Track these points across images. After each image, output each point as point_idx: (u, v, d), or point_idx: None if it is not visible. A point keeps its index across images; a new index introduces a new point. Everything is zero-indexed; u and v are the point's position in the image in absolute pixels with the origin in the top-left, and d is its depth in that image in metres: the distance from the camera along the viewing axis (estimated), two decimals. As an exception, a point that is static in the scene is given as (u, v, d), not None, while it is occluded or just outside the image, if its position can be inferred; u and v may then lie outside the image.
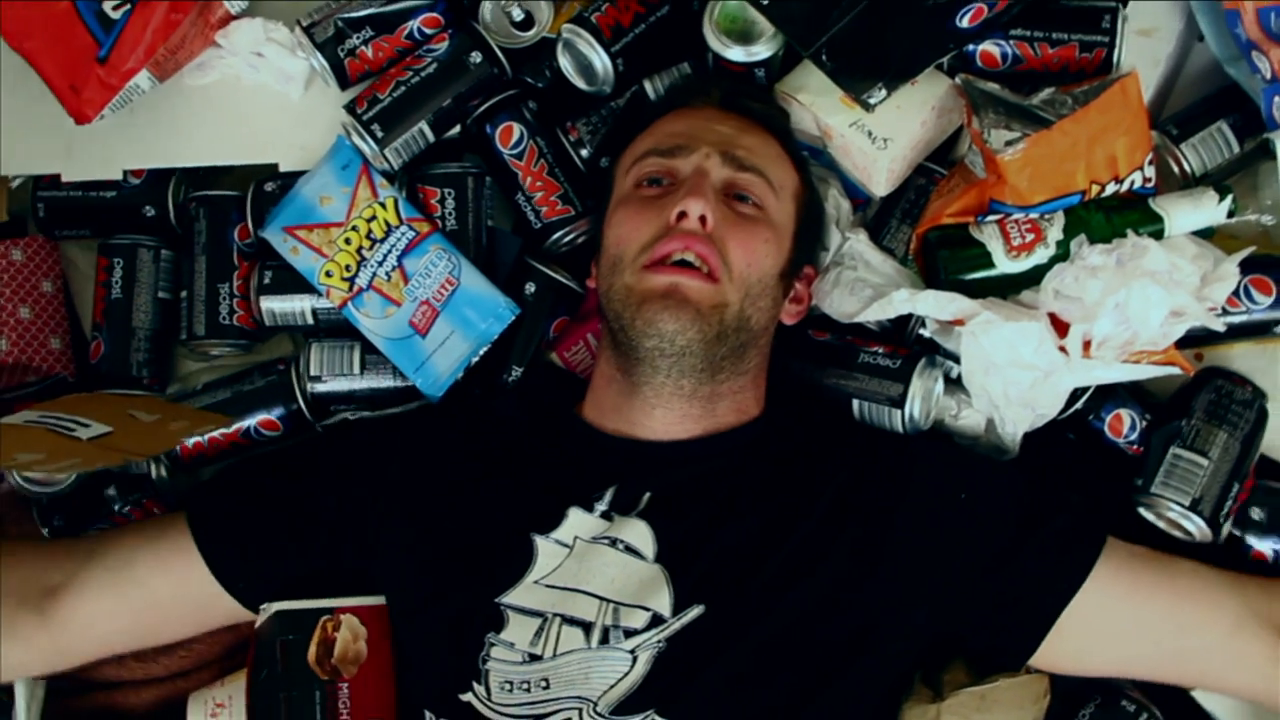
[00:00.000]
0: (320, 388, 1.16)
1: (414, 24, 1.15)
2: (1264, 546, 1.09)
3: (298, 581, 1.05)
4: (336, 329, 1.19)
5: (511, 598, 0.95)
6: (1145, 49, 1.10)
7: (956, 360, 1.08)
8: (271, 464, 1.15)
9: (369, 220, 1.13)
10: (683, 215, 0.99)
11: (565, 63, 1.16)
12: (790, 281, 1.09)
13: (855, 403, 1.12)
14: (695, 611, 0.92)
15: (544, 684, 0.91)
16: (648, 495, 0.99)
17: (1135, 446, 1.12)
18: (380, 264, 1.12)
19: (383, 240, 1.13)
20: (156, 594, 1.04)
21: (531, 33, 1.16)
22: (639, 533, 0.97)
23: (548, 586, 0.95)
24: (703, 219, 0.99)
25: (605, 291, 1.05)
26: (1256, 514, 1.09)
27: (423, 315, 1.12)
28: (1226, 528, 1.08)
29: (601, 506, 1.00)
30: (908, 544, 0.98)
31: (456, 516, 1.02)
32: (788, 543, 0.97)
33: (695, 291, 0.98)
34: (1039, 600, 0.98)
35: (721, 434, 1.05)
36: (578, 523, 0.99)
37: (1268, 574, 1.07)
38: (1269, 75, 1.02)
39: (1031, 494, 1.04)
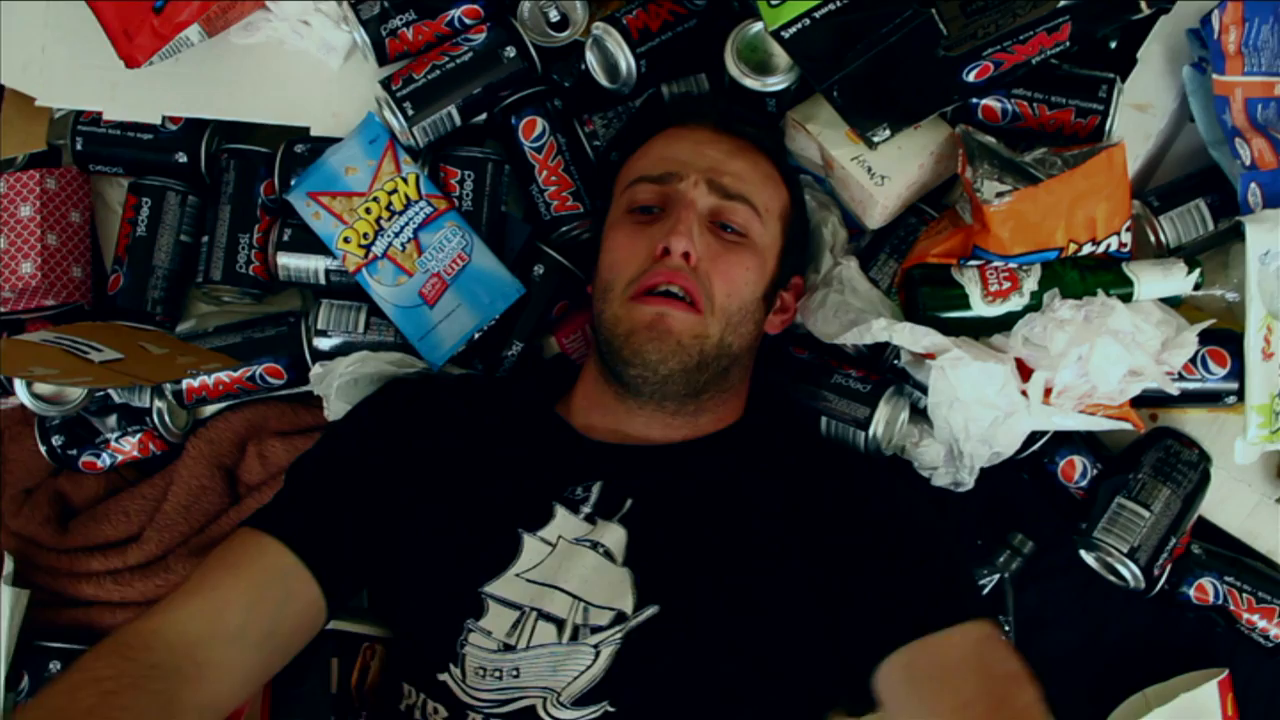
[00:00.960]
0: (325, 343, 1.20)
1: (456, 13, 1.19)
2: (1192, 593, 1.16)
3: (362, 559, 1.01)
4: (346, 291, 1.22)
5: (493, 588, 0.97)
6: (1138, 123, 1.14)
7: (924, 392, 1.11)
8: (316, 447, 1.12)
9: (390, 193, 1.17)
10: (667, 251, 1.02)
11: (592, 58, 1.21)
12: (775, 294, 1.12)
13: (824, 420, 1.16)
14: (651, 610, 0.94)
15: (515, 673, 0.93)
16: (630, 501, 1.01)
17: (1084, 492, 1.18)
18: (397, 235, 1.16)
19: (401, 213, 1.17)
20: (263, 623, 0.93)
21: (565, 34, 1.21)
22: (617, 538, 0.99)
23: (528, 581, 0.97)
24: (686, 255, 1.02)
25: (597, 314, 1.09)
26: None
27: (433, 287, 1.16)
28: (1161, 581, 1.15)
29: (586, 509, 1.01)
30: (853, 555, 0.98)
31: (456, 497, 1.03)
32: (744, 545, 1.00)
33: (679, 322, 1.02)
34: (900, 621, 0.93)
35: (701, 438, 1.08)
36: (563, 523, 1.00)
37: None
38: (1248, 162, 1.07)
39: (957, 545, 1.09)
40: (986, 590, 1.18)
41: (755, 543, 1.00)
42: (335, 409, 1.17)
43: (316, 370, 1.18)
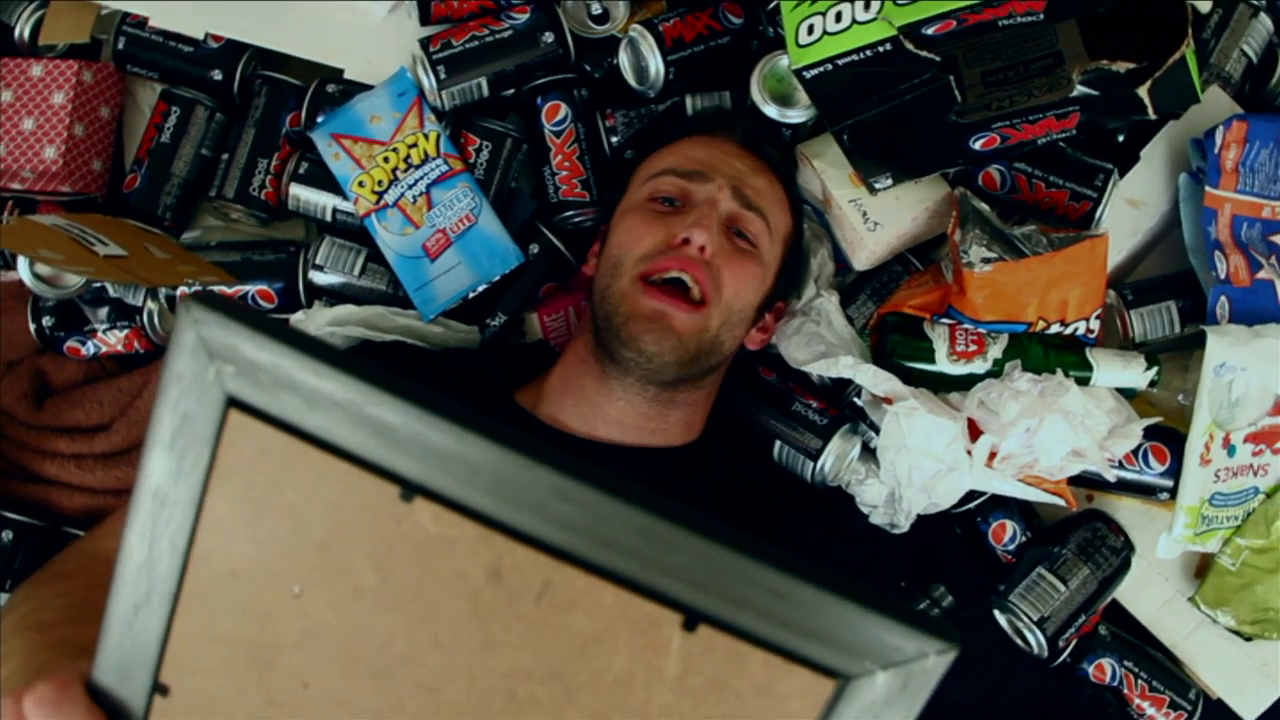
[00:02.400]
0: (320, 278, 1.23)
1: (507, -11, 1.22)
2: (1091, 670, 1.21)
3: None
4: (348, 232, 1.25)
5: None
6: (1129, 217, 1.18)
7: (877, 433, 1.13)
8: None
9: (410, 146, 1.20)
10: (687, 241, 1.06)
11: (624, 58, 1.24)
12: (763, 313, 1.16)
13: (777, 444, 1.19)
14: None
15: None
16: None
17: (1009, 556, 1.22)
18: (410, 187, 1.20)
19: (418, 167, 1.20)
20: None
21: (603, 28, 1.25)
22: None
23: None
24: (702, 248, 1.05)
25: (601, 289, 1.10)
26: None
27: (436, 242, 1.20)
28: (1064, 654, 1.19)
29: None
30: None
31: None
32: None
33: (680, 321, 1.05)
34: None
35: (657, 450, 1.11)
36: None
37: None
38: (1223, 275, 1.11)
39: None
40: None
41: None
42: None
43: (299, 316, 1.21)
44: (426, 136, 1.21)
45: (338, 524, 0.49)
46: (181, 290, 1.23)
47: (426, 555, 0.48)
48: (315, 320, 1.19)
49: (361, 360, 0.46)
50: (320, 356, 0.46)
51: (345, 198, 1.22)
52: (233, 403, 0.48)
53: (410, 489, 0.47)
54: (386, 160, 1.20)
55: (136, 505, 0.51)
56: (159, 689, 0.54)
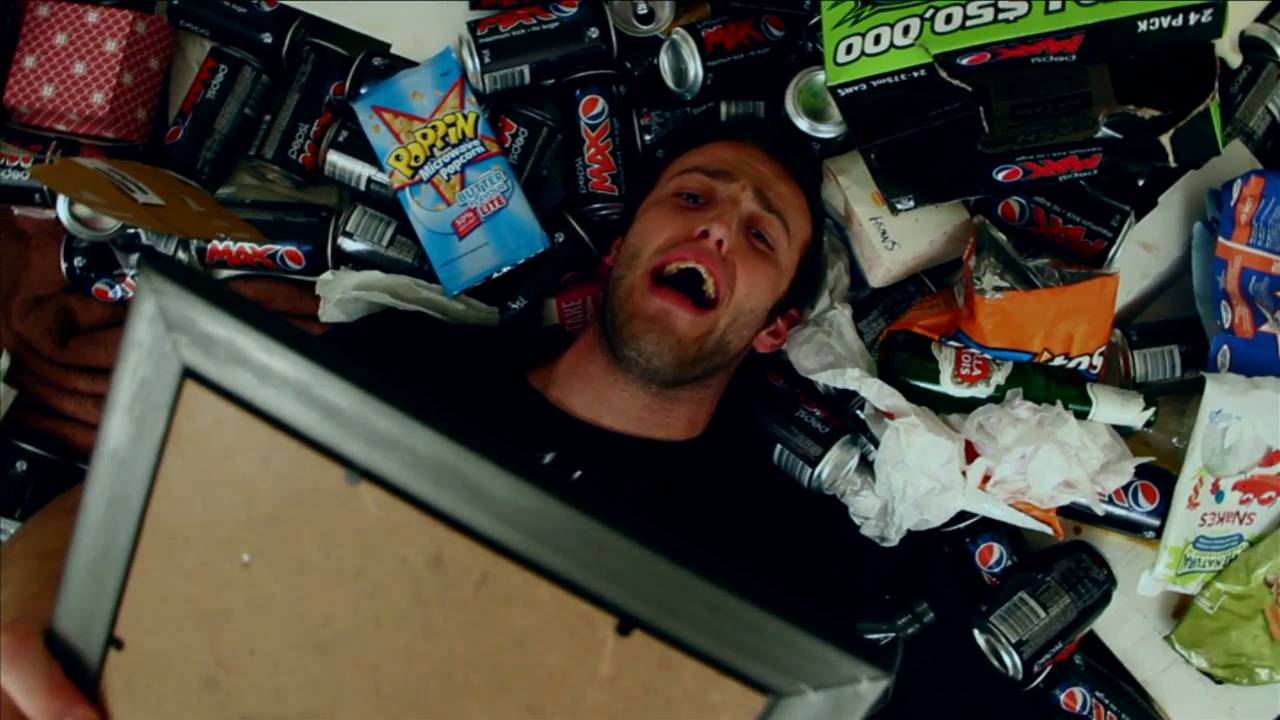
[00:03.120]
0: (348, 244, 1.26)
1: (554, -18, 1.25)
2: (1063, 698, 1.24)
3: None
4: (379, 203, 1.28)
5: None
6: (1140, 260, 1.20)
7: (876, 446, 1.15)
8: None
9: (449, 125, 1.23)
10: (705, 234, 1.08)
11: (665, 60, 1.27)
12: (775, 317, 1.17)
13: (778, 447, 1.21)
14: None
15: None
16: (578, 474, 1.05)
17: (994, 578, 1.25)
18: (446, 165, 1.22)
19: (455, 146, 1.22)
20: None
21: (648, 28, 1.28)
22: None
23: None
24: (720, 243, 1.07)
25: (615, 279, 1.12)
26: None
27: (466, 220, 1.22)
28: (1038, 679, 1.22)
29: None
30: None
31: None
32: None
33: (683, 323, 1.07)
34: None
35: (659, 442, 1.13)
36: None
37: None
38: (1227, 325, 1.13)
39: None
40: (880, 645, 1.25)
41: (694, 536, 1.05)
42: (328, 314, 1.23)
43: (326, 276, 1.24)
44: (465, 117, 1.23)
45: (286, 499, 0.49)
46: (214, 244, 1.26)
47: (370, 538, 0.48)
48: (342, 283, 1.22)
49: (315, 340, 0.47)
50: (273, 334, 0.46)
51: (381, 169, 1.24)
52: (189, 373, 0.48)
53: (356, 472, 0.47)
54: (425, 137, 1.23)
55: (96, 465, 0.52)
56: (114, 642, 0.55)
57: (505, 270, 1.24)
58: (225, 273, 1.32)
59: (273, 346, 0.46)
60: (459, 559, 0.47)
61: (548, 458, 1.07)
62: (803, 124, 1.21)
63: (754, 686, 0.47)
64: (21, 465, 1.25)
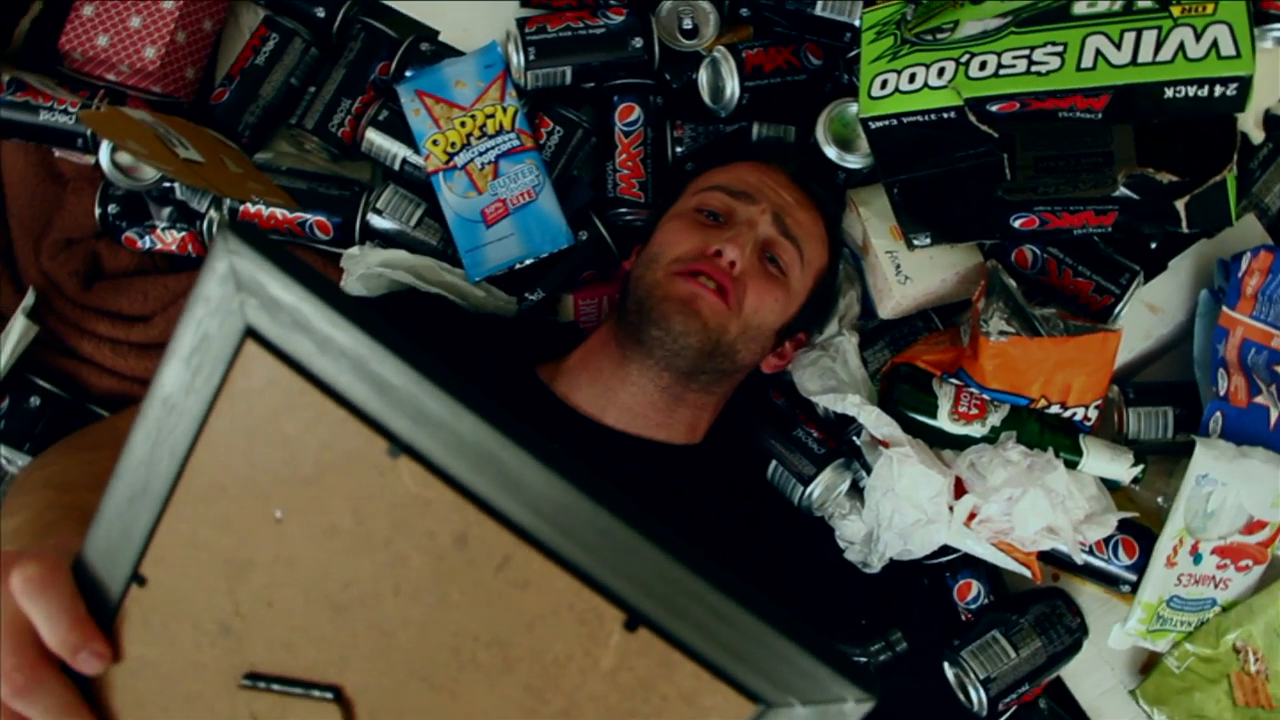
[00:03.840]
0: (377, 221, 1.28)
1: (605, -11, 1.28)
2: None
3: None
4: (412, 184, 1.30)
5: None
6: (1145, 320, 1.23)
7: (868, 472, 1.17)
8: None
9: (488, 116, 1.25)
10: (719, 253, 1.11)
11: (704, 75, 1.30)
12: (783, 339, 1.21)
13: (773, 464, 1.24)
14: None
15: None
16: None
17: (969, 614, 1.26)
18: (481, 154, 1.25)
19: (491, 137, 1.25)
20: None
21: (691, 43, 1.31)
22: None
23: None
24: (732, 263, 1.11)
25: (637, 277, 1.16)
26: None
27: (495, 210, 1.25)
28: (1002, 717, 1.24)
29: None
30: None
31: None
32: None
33: (709, 307, 1.10)
34: None
35: (659, 444, 1.15)
36: None
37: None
38: (1222, 392, 1.15)
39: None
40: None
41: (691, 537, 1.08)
42: (350, 287, 1.26)
43: (353, 251, 1.27)
44: (505, 110, 1.26)
45: (326, 464, 0.51)
46: (246, 206, 1.29)
47: (402, 510, 0.50)
48: (368, 259, 1.25)
49: (376, 318, 0.48)
50: (338, 307, 0.48)
51: (417, 151, 1.27)
52: (251, 333, 0.50)
53: (398, 446, 0.49)
54: (463, 125, 1.26)
55: (147, 407, 0.54)
56: (138, 578, 0.57)
57: (528, 262, 1.26)
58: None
59: (337, 319, 0.48)
60: (484, 540, 0.50)
61: None
62: (831, 152, 1.24)
63: (746, 694, 0.49)
64: (35, 400, 1.27)
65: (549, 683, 0.52)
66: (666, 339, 1.11)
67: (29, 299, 1.28)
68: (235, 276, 0.49)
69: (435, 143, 1.25)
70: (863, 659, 1.27)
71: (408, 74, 1.28)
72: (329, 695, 0.56)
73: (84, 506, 0.80)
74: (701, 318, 1.10)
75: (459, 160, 1.25)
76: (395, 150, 1.29)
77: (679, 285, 1.11)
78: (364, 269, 1.24)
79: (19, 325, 1.25)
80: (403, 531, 0.51)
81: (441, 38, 1.31)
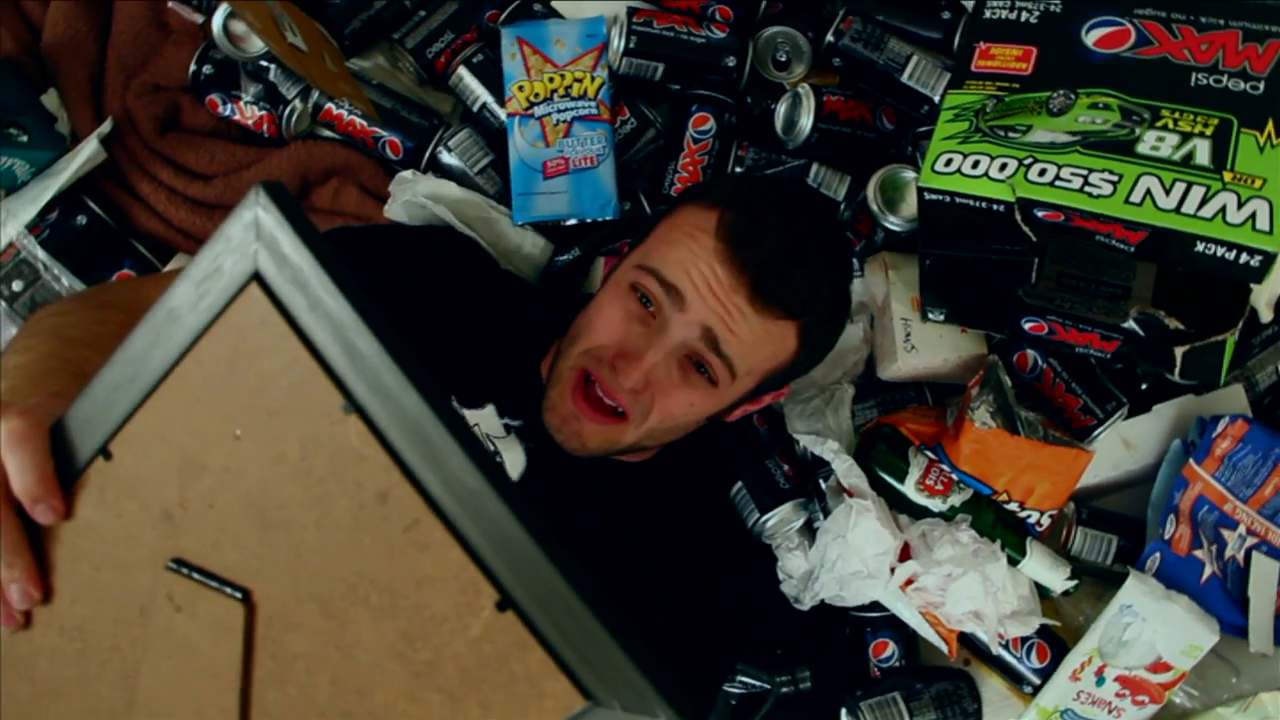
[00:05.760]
0: (444, 157, 1.34)
1: (714, 6, 1.35)
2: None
3: None
4: (486, 130, 1.36)
5: None
6: (1117, 452, 1.29)
7: (825, 516, 1.22)
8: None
9: (576, 79, 1.32)
10: (630, 358, 1.02)
11: (782, 107, 1.36)
12: (733, 409, 1.13)
13: (739, 484, 1.28)
14: None
15: None
16: (536, 444, 1.09)
17: (879, 671, 1.32)
18: (559, 112, 1.31)
19: (573, 99, 1.31)
20: None
21: (781, 75, 1.37)
22: (515, 459, 1.07)
23: None
24: (633, 389, 1.03)
25: (562, 346, 1.09)
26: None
27: (556, 165, 1.31)
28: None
29: (510, 421, 1.09)
30: (673, 608, 1.09)
31: (425, 347, 0.97)
32: (601, 544, 1.08)
33: (590, 430, 1.05)
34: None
35: (610, 460, 1.13)
36: (487, 418, 1.07)
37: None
38: (1166, 536, 1.22)
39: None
40: (753, 693, 1.34)
41: (610, 546, 1.09)
42: (392, 210, 1.32)
43: (405, 175, 1.32)
44: (593, 79, 1.32)
45: (289, 403, 0.58)
46: (330, 105, 1.34)
47: (340, 458, 0.57)
48: (415, 187, 1.30)
49: (364, 294, 0.55)
50: (335, 277, 0.55)
51: (499, 100, 1.33)
52: (257, 277, 0.57)
53: (352, 405, 0.56)
54: (551, 80, 1.32)
55: (154, 312, 0.61)
56: (106, 453, 0.65)
57: (570, 222, 1.32)
58: (329, 133, 1.40)
59: (331, 287, 0.55)
60: (400, 502, 0.57)
61: (519, 422, 1.10)
62: (875, 209, 1.29)
63: (580, 689, 0.56)
64: (82, 219, 1.32)
65: (422, 635, 0.59)
66: (556, 437, 1.08)
67: (106, 126, 1.33)
68: (257, 227, 0.56)
69: (521, 88, 1.31)
70: (766, 686, 1.32)
71: (517, 22, 1.34)
72: (239, 595, 0.63)
73: (80, 363, 0.87)
74: (581, 438, 1.06)
75: (537, 111, 1.31)
76: (479, 94, 1.35)
77: (564, 402, 1.06)
78: (409, 195, 1.29)
79: (90, 147, 1.29)
80: (336, 476, 0.58)
81: (553, 2, 1.37)
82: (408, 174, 1.33)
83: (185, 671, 0.66)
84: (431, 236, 1.27)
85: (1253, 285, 0.99)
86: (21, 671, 0.72)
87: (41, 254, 1.29)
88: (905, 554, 1.19)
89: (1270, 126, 0.99)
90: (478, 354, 1.13)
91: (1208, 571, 1.23)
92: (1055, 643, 1.27)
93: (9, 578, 0.67)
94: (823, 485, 1.28)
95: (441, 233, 1.28)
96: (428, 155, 1.35)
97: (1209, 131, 0.99)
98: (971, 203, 1.04)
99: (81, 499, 0.66)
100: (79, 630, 0.69)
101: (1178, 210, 0.97)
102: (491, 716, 0.58)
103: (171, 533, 0.64)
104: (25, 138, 1.30)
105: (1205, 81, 1.03)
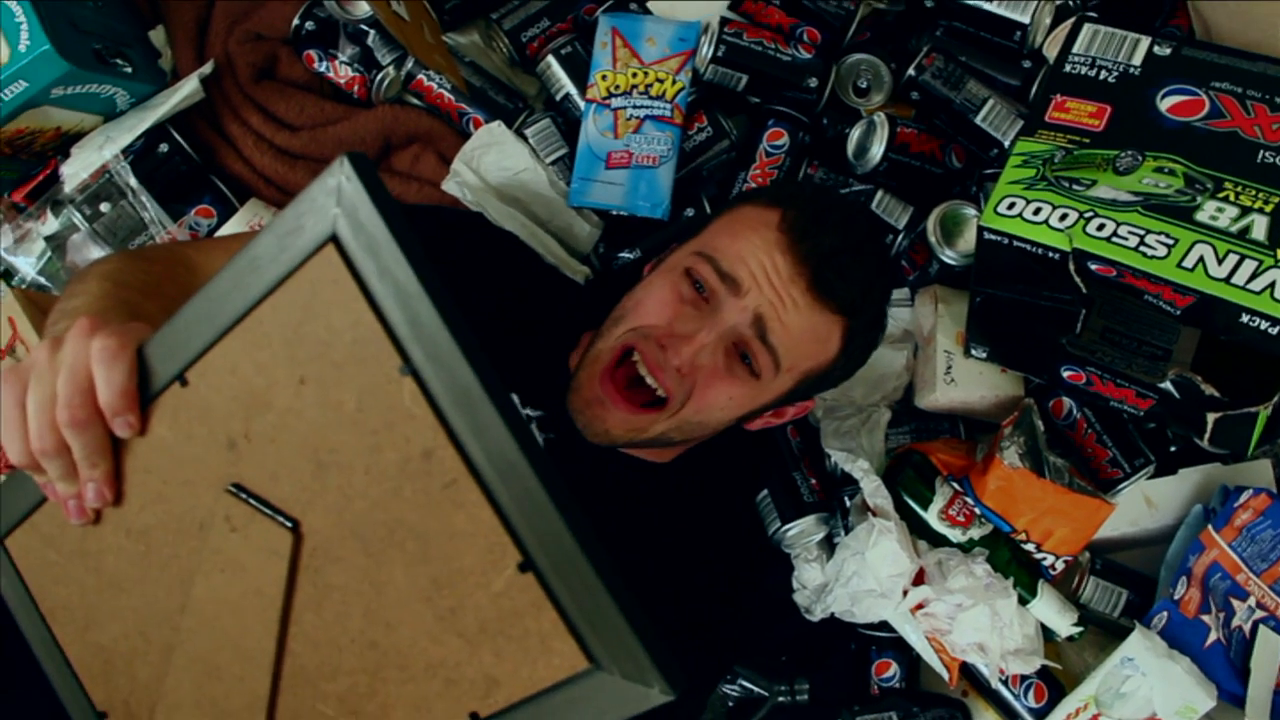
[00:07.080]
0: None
1: (803, 28, 1.39)
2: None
3: None
4: (565, 119, 1.40)
5: None
6: (1137, 509, 1.30)
7: (847, 533, 1.26)
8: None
9: (658, 80, 1.35)
10: (680, 338, 1.03)
11: (856, 132, 1.39)
12: (760, 413, 1.13)
13: (765, 492, 1.31)
14: None
15: None
16: (553, 435, 1.09)
17: (877, 689, 1.34)
18: (635, 107, 1.35)
19: (651, 98, 1.35)
20: None
21: (859, 101, 1.40)
22: None
23: None
24: (679, 367, 1.03)
25: (599, 333, 1.09)
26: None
27: (620, 158, 1.35)
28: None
29: (529, 411, 1.10)
30: (685, 606, 1.11)
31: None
32: (612, 537, 1.11)
33: (614, 418, 1.05)
34: None
35: (633, 458, 1.15)
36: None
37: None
38: (1176, 597, 1.24)
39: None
40: (750, 697, 1.37)
41: (620, 540, 1.08)
42: (450, 186, 1.36)
43: (494, 125, 1.37)
44: (674, 83, 1.35)
45: (352, 357, 0.63)
46: (422, 75, 1.38)
47: (393, 415, 0.62)
48: (481, 167, 1.34)
49: (432, 270, 0.59)
50: (406, 250, 0.59)
51: (581, 92, 1.37)
52: (334, 239, 0.61)
53: (409, 368, 0.61)
54: (634, 75, 1.35)
55: (239, 258, 0.66)
56: (182, 379, 0.70)
57: (620, 214, 1.36)
58: (415, 101, 1.44)
59: (401, 259, 0.60)
60: (442, 460, 0.62)
61: (539, 412, 1.11)
62: (933, 241, 1.32)
63: (585, 651, 0.61)
64: (164, 148, 1.36)
65: (449, 583, 0.64)
66: (577, 425, 1.08)
67: (207, 68, 1.38)
68: (339, 193, 0.61)
69: (604, 77, 1.35)
70: (764, 693, 1.35)
71: (610, 13, 1.38)
72: (289, 524, 0.69)
73: (133, 304, 0.92)
74: (604, 425, 1.06)
75: (614, 102, 1.35)
76: (564, 84, 1.39)
77: (592, 387, 1.06)
78: (470, 177, 1.33)
79: (190, 85, 1.34)
80: (388, 430, 0.63)
81: (649, 3, 1.41)
82: (495, 125, 1.38)
83: (234, 586, 0.72)
84: (478, 223, 1.30)
85: (1292, 361, 1.01)
86: (90, 564, 0.77)
87: (133, 180, 1.34)
88: (919, 579, 1.22)
89: (1329, 212, 1.00)
90: (505, 341, 1.09)
91: (1212, 637, 1.24)
92: (1054, 685, 1.29)
93: (88, 476, 0.73)
94: (848, 502, 1.31)
95: (484, 222, 1.31)
96: (510, 136, 1.38)
97: (1268, 209, 1.02)
98: (1029, 247, 1.07)
99: (156, 418, 0.72)
100: (144, 535, 0.75)
101: (1228, 280, 0.99)
102: (502, 665, 0.63)
103: (234, 460, 0.69)
104: (130, 69, 1.35)
105: (1272, 160, 1.05)
